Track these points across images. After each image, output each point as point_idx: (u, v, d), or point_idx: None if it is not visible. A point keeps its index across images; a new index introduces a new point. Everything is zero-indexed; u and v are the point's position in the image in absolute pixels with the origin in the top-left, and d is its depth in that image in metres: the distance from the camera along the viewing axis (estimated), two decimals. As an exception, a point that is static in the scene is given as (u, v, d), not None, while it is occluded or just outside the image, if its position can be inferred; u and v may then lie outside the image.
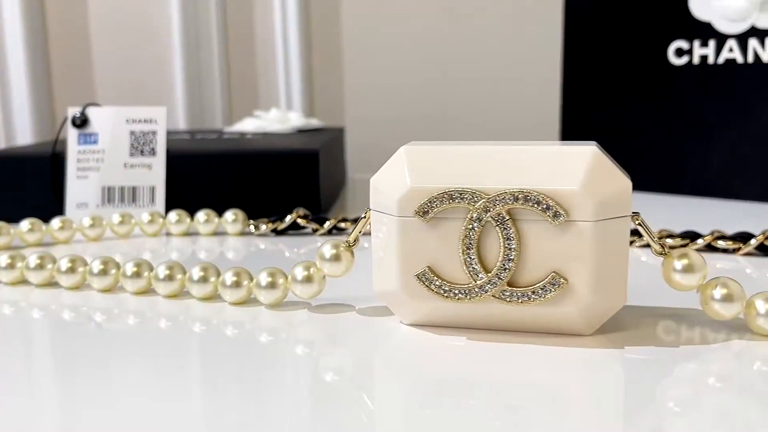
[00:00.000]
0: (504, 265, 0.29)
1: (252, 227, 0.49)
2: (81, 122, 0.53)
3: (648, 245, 0.43)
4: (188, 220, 0.50)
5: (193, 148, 0.55)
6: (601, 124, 0.65)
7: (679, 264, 0.29)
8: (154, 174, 0.53)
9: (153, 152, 0.53)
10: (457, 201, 0.29)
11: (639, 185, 0.63)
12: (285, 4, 0.85)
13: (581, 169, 0.28)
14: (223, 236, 0.50)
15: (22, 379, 0.28)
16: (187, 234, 0.51)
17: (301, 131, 0.67)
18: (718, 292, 0.29)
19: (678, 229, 0.45)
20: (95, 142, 0.53)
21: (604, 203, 0.28)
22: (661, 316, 0.32)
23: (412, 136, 0.85)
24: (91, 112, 0.54)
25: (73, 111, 0.54)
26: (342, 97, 0.88)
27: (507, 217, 0.28)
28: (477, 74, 0.83)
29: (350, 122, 0.88)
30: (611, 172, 0.29)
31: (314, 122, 0.70)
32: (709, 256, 0.43)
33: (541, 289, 0.28)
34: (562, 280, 0.28)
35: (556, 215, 0.28)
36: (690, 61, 0.60)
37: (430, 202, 0.29)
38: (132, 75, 0.86)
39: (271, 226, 0.49)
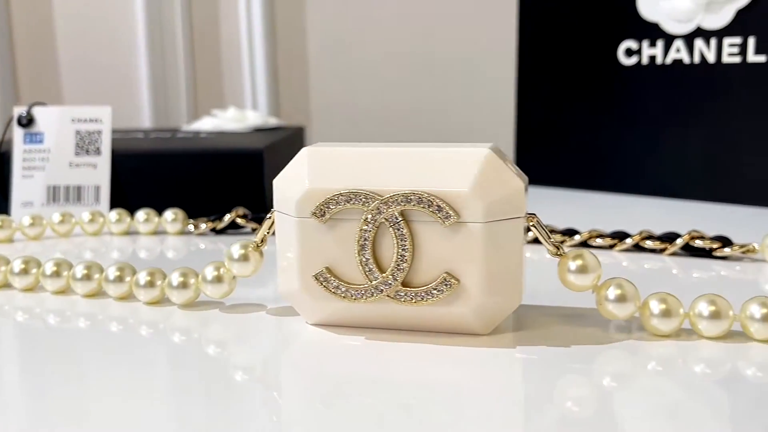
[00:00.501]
0: (398, 265, 0.29)
1: (192, 226, 0.50)
2: (27, 122, 0.54)
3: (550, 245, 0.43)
4: (128, 219, 0.50)
5: (138, 148, 0.56)
6: (555, 123, 0.65)
7: (573, 265, 0.30)
8: (99, 173, 0.53)
9: (98, 151, 0.53)
10: (352, 202, 0.29)
11: (590, 184, 0.63)
12: (250, 4, 0.85)
13: (472, 171, 0.28)
14: (164, 235, 0.51)
15: None
16: (128, 233, 0.51)
17: (258, 130, 0.68)
18: (612, 293, 0.30)
19: (620, 228, 0.45)
20: (41, 141, 0.54)
21: (494, 205, 0.28)
22: (560, 316, 0.33)
23: (376, 135, 0.86)
24: (37, 112, 0.54)
25: (19, 110, 0.54)
26: (307, 97, 0.88)
27: (400, 219, 0.29)
28: (437, 74, 0.84)
29: (315, 121, 0.88)
30: (503, 174, 0.29)
31: (272, 121, 0.71)
32: (637, 256, 0.43)
33: (434, 289, 0.29)
34: (453, 280, 0.28)
35: (446, 216, 0.28)
36: (639, 61, 0.60)
37: (325, 203, 0.29)
38: (98, 74, 0.86)
39: (210, 225, 0.49)
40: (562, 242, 0.45)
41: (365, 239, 0.29)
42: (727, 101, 0.56)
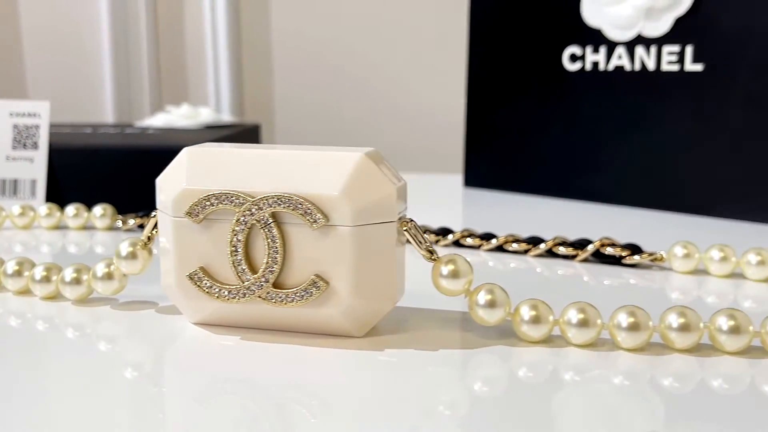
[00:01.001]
0: (269, 267, 0.29)
1: (120, 222, 0.50)
2: (-34, 114, 0.54)
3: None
4: (59, 213, 0.50)
5: (75, 143, 0.56)
6: (503, 127, 0.66)
7: (445, 269, 0.30)
8: (36, 167, 0.54)
9: (35, 146, 0.54)
10: (224, 203, 0.29)
11: (535, 188, 0.64)
12: (214, 2, 0.85)
13: (343, 175, 0.29)
14: (93, 231, 0.51)
15: None
16: (58, 227, 0.51)
17: (209, 127, 0.68)
18: (482, 298, 0.30)
19: (556, 233, 0.45)
20: (-21, 134, 0.54)
21: (364, 209, 0.29)
22: (441, 320, 0.33)
23: (337, 135, 0.86)
24: (-24, 105, 0.54)
25: (-42, 103, 0.54)
26: (272, 96, 0.89)
27: (271, 221, 0.29)
28: (394, 76, 0.84)
29: (279, 120, 0.88)
30: (376, 178, 0.29)
31: (226, 118, 0.71)
32: (551, 262, 0.44)
33: (303, 291, 0.29)
34: (322, 282, 0.29)
35: (315, 220, 0.28)
36: (583, 67, 0.60)
37: (199, 203, 0.29)
38: (63, 68, 0.87)
39: (138, 221, 0.50)
40: (479, 246, 0.45)
41: (237, 240, 0.29)
42: (665, 108, 0.56)
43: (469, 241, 0.45)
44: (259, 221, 0.29)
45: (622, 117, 0.58)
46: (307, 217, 0.28)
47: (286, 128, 0.88)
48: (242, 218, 0.29)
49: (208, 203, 0.29)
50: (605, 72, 0.59)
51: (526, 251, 0.44)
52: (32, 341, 0.31)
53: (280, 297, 0.29)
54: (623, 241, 0.43)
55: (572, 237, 0.44)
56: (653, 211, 0.57)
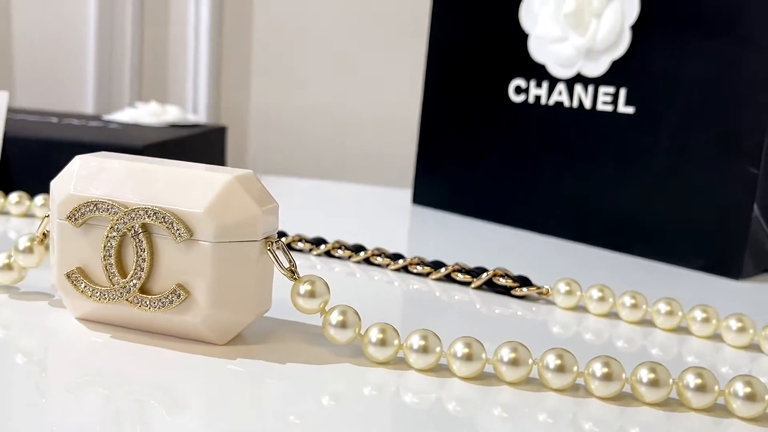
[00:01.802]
0: (136, 273, 0.32)
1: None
2: (-71, 99, 0.57)
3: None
4: (1, 200, 0.53)
5: (29, 134, 0.59)
6: (451, 150, 0.68)
7: (302, 288, 0.32)
8: (-11, 154, 0.56)
9: (-9, 133, 0.57)
10: (101, 211, 0.32)
11: (476, 212, 0.66)
12: (199, 3, 0.88)
13: (211, 194, 0.31)
14: (34, 219, 0.54)
15: None
16: (2, 213, 0.54)
17: (174, 126, 0.71)
18: (335, 318, 0.32)
19: (471, 259, 0.48)
20: (-61, 118, 0.57)
21: (227, 227, 0.31)
22: (307, 334, 0.35)
23: (302, 144, 0.89)
24: (-61, 91, 0.57)
25: None
26: (248, 99, 0.91)
27: (140, 231, 0.31)
28: (358, 94, 0.88)
29: (253, 124, 0.91)
30: (241, 199, 0.31)
31: (191, 118, 0.74)
32: (449, 287, 0.46)
33: (165, 298, 0.31)
34: (183, 292, 0.31)
35: (179, 233, 0.31)
36: (526, 99, 0.62)
37: (78, 208, 0.32)
38: (49, 59, 0.90)
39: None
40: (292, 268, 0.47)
41: (110, 246, 0.32)
42: (597, 146, 0.58)
43: (378, 259, 0.47)
44: (129, 230, 0.31)
45: (558, 150, 0.60)
46: (173, 231, 0.31)
47: (257, 134, 0.91)
48: (116, 226, 0.31)
49: (86, 209, 0.32)
50: (546, 106, 0.61)
51: (427, 274, 0.46)
52: None
53: (145, 302, 0.32)
54: (541, 271, 0.45)
55: (496, 264, 0.46)
56: (578, 245, 0.59)
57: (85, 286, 0.32)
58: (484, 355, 0.31)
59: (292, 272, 0.33)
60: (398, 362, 0.33)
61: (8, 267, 0.36)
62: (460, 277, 0.45)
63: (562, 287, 0.42)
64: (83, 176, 0.33)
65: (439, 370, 0.32)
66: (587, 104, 0.58)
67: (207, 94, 0.88)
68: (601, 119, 0.58)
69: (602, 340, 0.39)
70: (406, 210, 0.70)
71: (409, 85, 0.83)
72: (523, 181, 0.63)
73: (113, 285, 0.32)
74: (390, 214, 0.68)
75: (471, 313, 0.42)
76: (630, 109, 0.56)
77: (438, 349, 0.32)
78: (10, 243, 0.48)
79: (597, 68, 0.58)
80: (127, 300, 0.32)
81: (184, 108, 0.88)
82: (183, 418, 0.27)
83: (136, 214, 0.31)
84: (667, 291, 0.43)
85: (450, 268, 0.45)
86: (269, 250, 0.32)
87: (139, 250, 0.31)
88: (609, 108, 0.57)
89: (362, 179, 0.87)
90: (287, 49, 0.89)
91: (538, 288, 0.43)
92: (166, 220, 0.31)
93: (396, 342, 0.32)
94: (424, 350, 0.31)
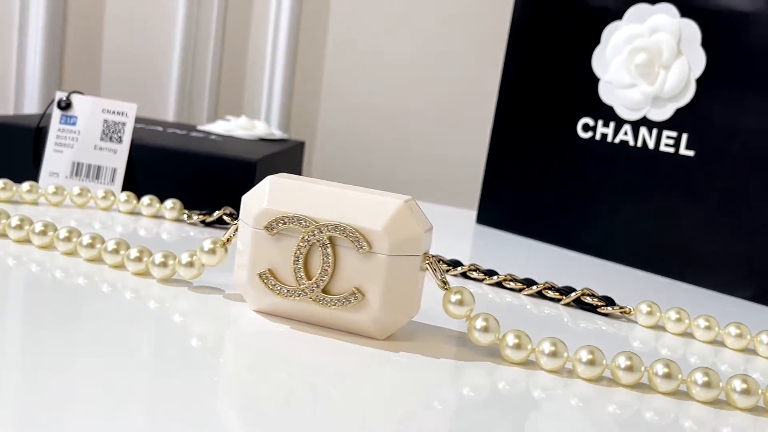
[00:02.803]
0: (321, 277, 0.38)
1: (186, 216, 0.59)
2: (65, 105, 0.64)
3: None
4: (135, 201, 0.60)
5: (153, 142, 0.65)
6: (518, 177, 0.75)
7: (453, 297, 0.39)
8: (118, 158, 0.63)
9: (120, 140, 0.63)
10: (294, 224, 0.38)
11: (539, 235, 0.73)
12: (278, 20, 0.95)
13: (387, 215, 0.38)
14: (162, 220, 0.60)
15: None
16: (133, 213, 0.61)
17: (263, 140, 0.77)
18: (479, 324, 0.39)
19: (538, 276, 0.54)
20: (74, 123, 0.63)
21: (398, 243, 0.38)
22: (446, 335, 0.42)
23: (369, 164, 0.96)
24: (75, 99, 0.64)
25: (60, 95, 0.64)
26: (317, 113, 0.98)
27: (327, 242, 0.38)
28: (429, 117, 0.94)
29: (322, 138, 0.98)
30: (409, 221, 0.38)
31: (277, 133, 0.80)
32: (540, 302, 0.52)
33: (344, 299, 0.38)
34: (360, 294, 0.38)
35: (361, 246, 0.38)
36: (593, 136, 0.69)
37: (275, 221, 0.39)
38: (133, 69, 0.97)
39: (201, 217, 0.59)
40: (505, 280, 0.54)
41: (300, 253, 0.38)
42: (658, 182, 0.65)
43: (474, 274, 0.54)
44: (318, 241, 0.38)
45: (620, 184, 0.67)
46: (356, 244, 0.38)
47: (324, 149, 0.98)
48: (307, 237, 0.38)
49: (282, 222, 0.39)
50: (612, 143, 0.68)
51: (520, 290, 0.53)
52: (119, 308, 0.40)
53: (326, 300, 0.38)
54: (602, 292, 0.52)
55: (561, 283, 0.53)
56: (637, 270, 0.66)
57: (274, 285, 0.39)
58: (604, 362, 0.38)
59: (444, 283, 0.39)
60: (528, 364, 0.39)
61: (190, 264, 0.43)
62: (550, 293, 0.52)
63: (644, 308, 0.49)
64: (275, 194, 0.39)
65: (564, 372, 0.39)
66: (651, 145, 0.65)
67: (279, 108, 0.95)
68: (663, 159, 0.65)
69: (677, 354, 0.46)
70: (470, 228, 0.77)
71: (481, 116, 0.90)
72: (585, 209, 0.70)
73: (299, 285, 0.39)
74: (457, 232, 0.75)
75: (560, 325, 0.49)
76: (690, 153, 0.63)
77: (565, 354, 0.38)
78: (141, 240, 0.55)
79: (662, 114, 0.65)
80: (310, 298, 0.38)
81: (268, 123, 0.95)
82: (349, 398, 0.33)
83: (325, 228, 0.38)
84: (727, 317, 0.50)
85: (541, 286, 0.52)
86: (428, 263, 0.39)
87: (326, 258, 0.38)
88: (671, 150, 0.64)
89: (425, 198, 0.94)
90: (359, 71, 0.96)
91: (621, 308, 0.50)
92: (351, 234, 0.38)
93: (529, 346, 0.39)
94: (554, 355, 0.38)
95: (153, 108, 0.96)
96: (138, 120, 0.80)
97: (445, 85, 0.95)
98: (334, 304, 0.38)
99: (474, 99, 0.93)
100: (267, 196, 0.40)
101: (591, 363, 0.38)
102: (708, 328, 0.47)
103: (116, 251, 0.45)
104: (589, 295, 0.51)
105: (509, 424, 0.33)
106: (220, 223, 0.59)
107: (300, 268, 0.39)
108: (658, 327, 0.50)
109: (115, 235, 0.55)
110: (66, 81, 0.95)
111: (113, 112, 0.64)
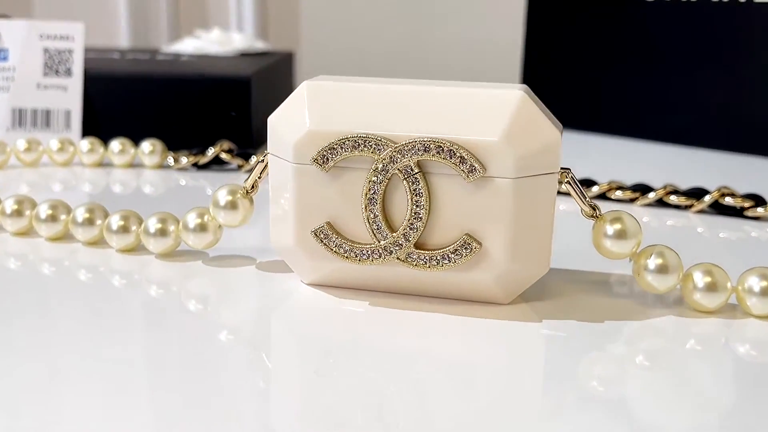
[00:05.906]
0: (411, 224, 0.25)
1: (171, 160, 0.45)
2: (-11, 36, 0.48)
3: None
4: (102, 149, 0.45)
5: (114, 70, 0.51)
6: (565, 60, 0.61)
7: (610, 229, 0.26)
8: (70, 96, 0.48)
9: (69, 72, 0.48)
10: (360, 149, 0.25)
11: (598, 127, 0.60)
12: None
13: (504, 118, 0.24)
14: (140, 169, 0.46)
15: None
16: (101, 165, 0.46)
17: (244, 55, 0.63)
18: (653, 262, 0.26)
19: (633, 179, 0.41)
20: (5, 58, 0.48)
21: (527, 158, 0.24)
22: (588, 283, 0.29)
23: (371, 66, 0.81)
24: (1, 25, 0.49)
25: (-20, 23, 0.48)
26: (297, 19, 0.83)
27: (416, 170, 0.25)
28: (440, 7, 0.79)
29: (305, 48, 0.83)
30: (539, 122, 0.25)
31: (260, 45, 0.66)
32: (660, 212, 0.40)
33: (452, 252, 0.25)
34: (475, 243, 0.25)
35: (471, 170, 0.24)
36: (661, -4, 0.55)
37: (330, 148, 0.25)
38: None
39: (192, 159, 0.45)
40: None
41: (374, 192, 0.25)
42: (754, 45, 0.52)
43: (617, 194, 0.40)
44: (401, 171, 0.25)
45: (704, 53, 0.54)
46: (462, 167, 0.24)
47: (314, 59, 0.83)
48: (381, 167, 0.25)
49: (340, 149, 0.25)
50: (688, 2, 0.54)
51: (632, 200, 0.40)
52: (109, 303, 0.27)
53: (424, 259, 0.25)
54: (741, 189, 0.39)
55: (660, 183, 0.40)
56: (730, 154, 0.53)
57: (340, 245, 0.26)
58: None
59: (594, 209, 0.26)
60: (727, 309, 0.27)
61: (201, 227, 0.29)
62: (673, 200, 0.39)
63: (812, 203, 0.37)
64: (319, 107, 0.26)
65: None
66: (741, -4, 0.52)
67: (253, 14, 0.80)
68: (760, 12, 0.51)
69: None
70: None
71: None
72: (657, 90, 0.56)
73: (378, 241, 0.25)
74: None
75: (695, 239, 0.36)
76: (797, -2, 0.50)
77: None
78: (118, 200, 0.41)
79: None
80: (397, 258, 0.25)
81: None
82: (473, 399, 0.21)
83: (409, 150, 0.24)
84: None
85: (661, 192, 0.39)
86: (567, 182, 0.26)
87: (414, 196, 0.25)
88: (769, -2, 0.51)
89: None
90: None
91: (777, 206, 0.37)
92: (455, 154, 0.24)
93: (728, 285, 0.26)
94: (765, 293, 0.26)
95: (99, 35, 0.80)
96: (86, 50, 0.64)
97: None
98: (437, 263, 0.25)
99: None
100: (309, 112, 0.26)
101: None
102: None
103: (90, 221, 0.31)
104: (728, 194, 0.38)
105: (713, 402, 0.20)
106: (217, 163, 0.45)
107: (377, 216, 0.25)
108: (832, 226, 0.37)
109: (83, 198, 0.41)
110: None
111: (55, 37, 0.49)
